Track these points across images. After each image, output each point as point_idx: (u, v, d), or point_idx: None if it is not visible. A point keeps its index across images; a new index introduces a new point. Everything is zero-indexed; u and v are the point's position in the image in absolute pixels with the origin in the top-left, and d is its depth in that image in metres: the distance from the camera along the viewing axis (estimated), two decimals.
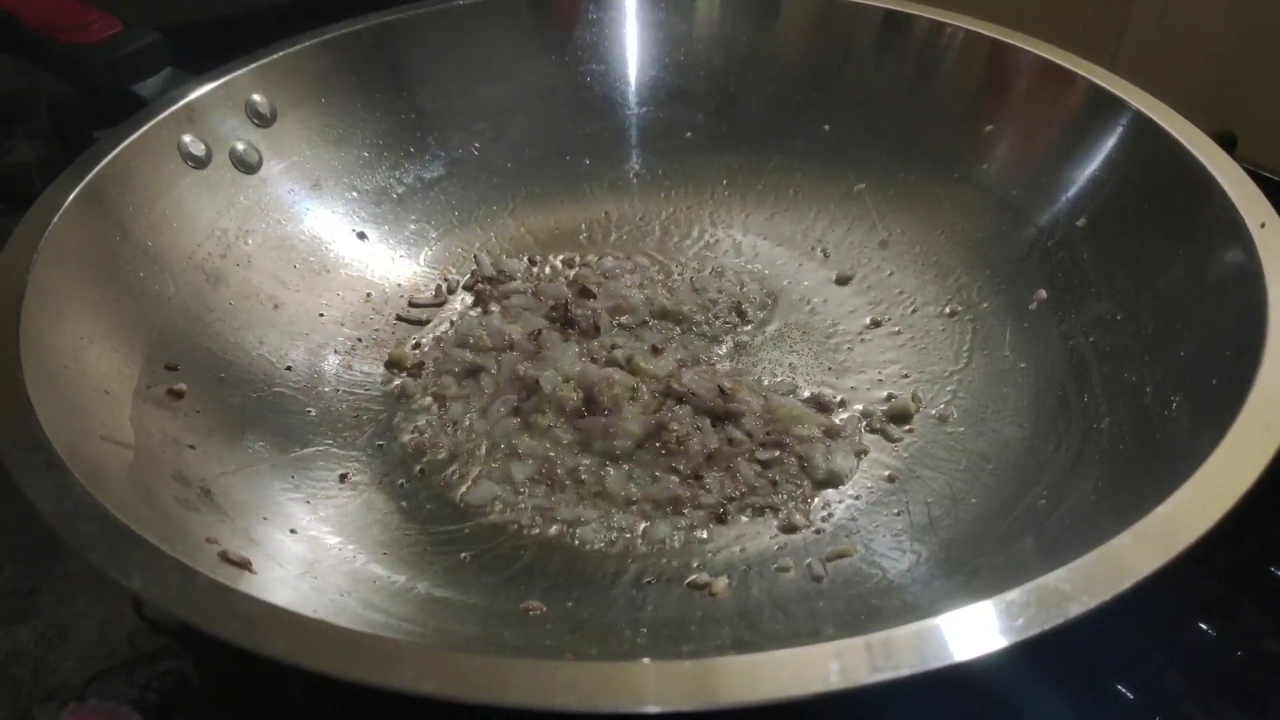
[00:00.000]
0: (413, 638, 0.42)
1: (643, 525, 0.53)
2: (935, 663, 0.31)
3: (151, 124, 0.60)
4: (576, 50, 0.79)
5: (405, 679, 0.30)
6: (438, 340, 0.66)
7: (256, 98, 0.67)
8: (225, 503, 0.48)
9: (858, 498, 0.55)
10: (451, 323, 0.68)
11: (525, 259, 0.73)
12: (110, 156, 0.57)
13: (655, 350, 0.62)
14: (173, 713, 0.54)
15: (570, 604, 0.48)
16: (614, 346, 0.64)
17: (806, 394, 0.61)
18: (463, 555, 0.51)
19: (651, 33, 0.79)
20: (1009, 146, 0.68)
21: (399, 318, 0.68)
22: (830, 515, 0.54)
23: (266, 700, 0.48)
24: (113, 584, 0.34)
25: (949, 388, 0.61)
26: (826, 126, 0.76)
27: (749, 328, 0.67)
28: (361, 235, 0.71)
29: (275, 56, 0.69)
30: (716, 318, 0.68)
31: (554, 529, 0.53)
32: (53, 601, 0.59)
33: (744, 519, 0.53)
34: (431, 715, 0.36)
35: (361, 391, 0.62)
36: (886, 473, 0.56)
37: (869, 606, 0.47)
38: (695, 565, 0.51)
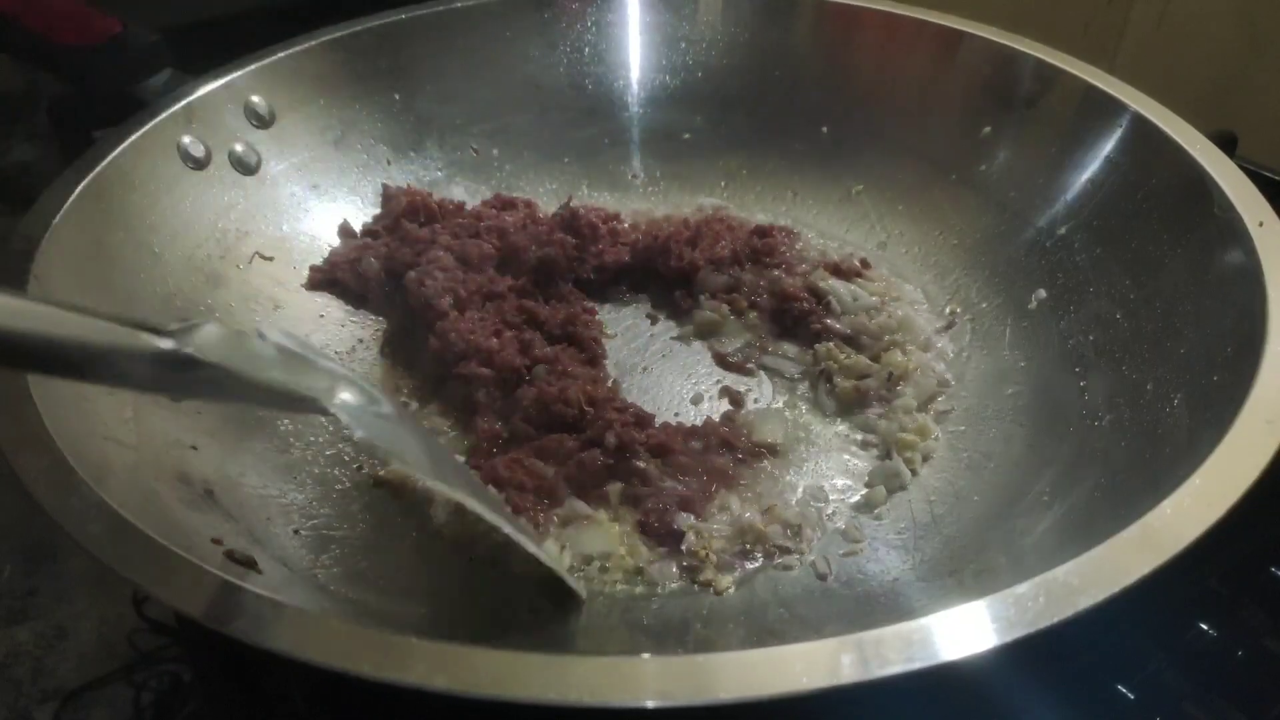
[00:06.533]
0: (420, 636, 0.42)
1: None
2: (936, 659, 0.31)
3: (151, 125, 0.60)
4: (576, 52, 0.79)
5: (417, 675, 0.30)
6: None
7: (256, 99, 0.67)
8: (228, 503, 0.47)
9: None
10: None
11: None
12: (110, 157, 0.57)
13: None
14: (171, 713, 0.54)
15: (573, 603, 0.48)
16: None
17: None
18: (468, 555, 0.51)
19: (651, 35, 0.79)
20: (1008, 148, 0.69)
21: None
22: (834, 514, 0.54)
23: (264, 700, 0.48)
24: (112, 585, 0.34)
25: (949, 388, 0.61)
26: (825, 129, 0.76)
27: None
28: None
29: (275, 57, 0.69)
30: None
31: (555, 527, 0.52)
32: (52, 602, 0.58)
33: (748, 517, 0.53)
34: (429, 714, 0.36)
35: None
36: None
37: (873, 603, 0.47)
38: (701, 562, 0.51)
